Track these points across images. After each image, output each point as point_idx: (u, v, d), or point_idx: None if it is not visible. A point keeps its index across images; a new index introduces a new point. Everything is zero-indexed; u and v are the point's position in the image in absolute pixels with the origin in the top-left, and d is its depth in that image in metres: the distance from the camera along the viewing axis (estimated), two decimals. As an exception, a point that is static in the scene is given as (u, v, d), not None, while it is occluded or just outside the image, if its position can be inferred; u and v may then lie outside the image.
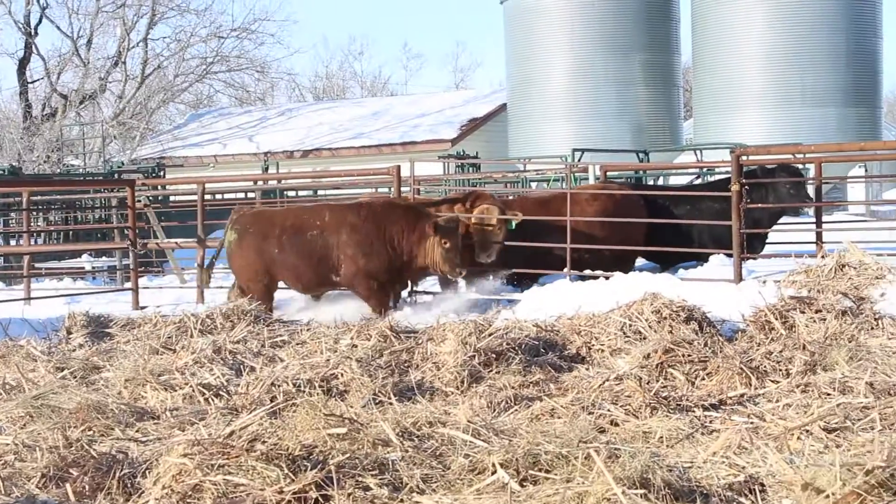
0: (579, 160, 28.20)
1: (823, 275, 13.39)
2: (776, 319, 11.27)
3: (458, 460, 6.96)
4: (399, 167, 16.33)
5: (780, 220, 16.94)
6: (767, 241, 16.67)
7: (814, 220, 16.17)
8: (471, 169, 32.01)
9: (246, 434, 7.09)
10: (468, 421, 7.95)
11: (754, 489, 6.41)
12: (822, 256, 14.20)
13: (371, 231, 14.62)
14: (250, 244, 15.05)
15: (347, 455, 6.85)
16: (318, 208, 15.48)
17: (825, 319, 11.25)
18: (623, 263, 15.85)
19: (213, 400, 9.38)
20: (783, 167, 16.49)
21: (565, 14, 37.25)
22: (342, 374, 9.97)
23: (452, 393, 9.65)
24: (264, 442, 6.87)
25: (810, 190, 17.47)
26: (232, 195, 25.66)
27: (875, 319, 11.37)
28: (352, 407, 8.81)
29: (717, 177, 21.74)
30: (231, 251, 15.30)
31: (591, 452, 6.55)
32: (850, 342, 10.53)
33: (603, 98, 37.17)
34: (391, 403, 8.96)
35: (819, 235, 15.84)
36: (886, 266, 13.28)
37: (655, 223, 16.28)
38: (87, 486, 6.82)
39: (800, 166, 21.77)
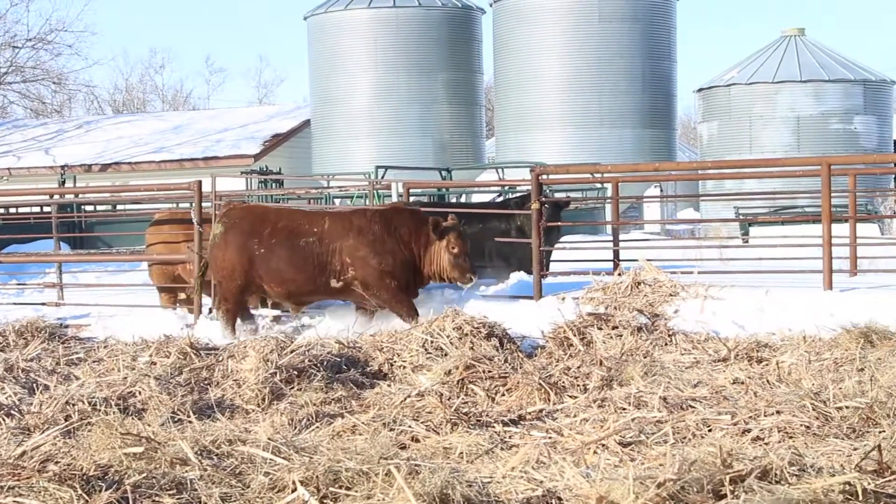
0: (382, 177, 28.27)
1: (620, 292, 13.69)
2: (574, 336, 11.47)
3: (257, 478, 6.88)
4: (200, 182, 16.09)
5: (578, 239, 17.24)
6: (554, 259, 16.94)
7: (611, 238, 16.51)
8: (274, 185, 31.83)
9: (38, 454, 6.89)
10: (269, 438, 7.87)
11: (551, 503, 6.50)
12: (619, 274, 14.53)
13: (380, 231, 13.78)
14: (234, 239, 14.00)
15: (144, 475, 6.72)
16: (316, 214, 14.52)
17: (621, 336, 11.50)
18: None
19: (3, 420, 9.08)
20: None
21: (368, 32, 37.34)
22: (140, 392, 9.78)
23: (253, 410, 9.55)
24: (57, 462, 6.69)
25: (608, 209, 17.83)
26: (26, 209, 24.97)
27: (669, 335, 11.68)
28: (149, 425, 8.63)
29: (511, 196, 22.02)
30: (213, 244, 14.20)
31: (392, 469, 6.55)
32: (645, 358, 10.78)
33: (406, 116, 37.36)
34: (190, 422, 8.82)
35: (616, 254, 16.17)
36: (680, 283, 13.65)
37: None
38: None
39: (598, 185, 22.21)
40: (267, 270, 13.86)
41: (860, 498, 6.03)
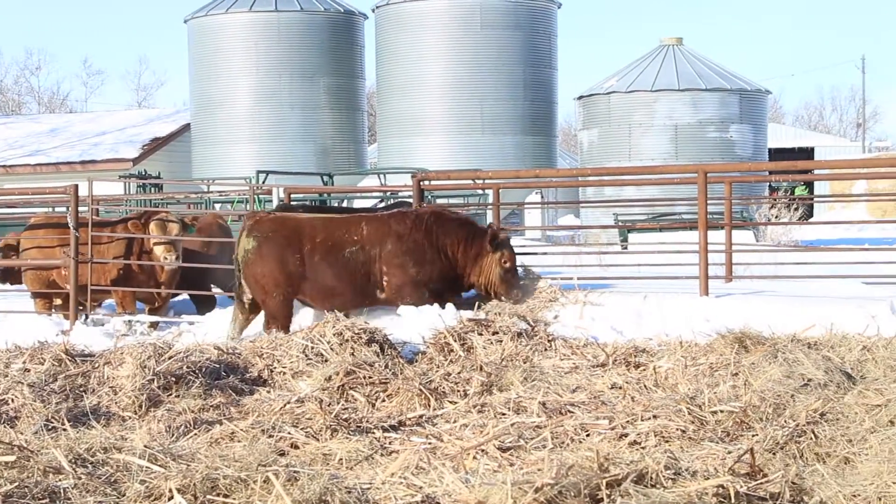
0: (264, 182, 28.11)
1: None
2: (455, 341, 11.48)
3: (133, 486, 6.78)
4: (77, 186, 15.84)
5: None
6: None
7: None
8: (153, 189, 31.47)
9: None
10: (145, 446, 7.76)
11: (431, 508, 6.51)
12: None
13: (420, 239, 13.28)
14: (271, 252, 13.20)
15: (16, 484, 6.58)
16: (352, 220, 13.74)
17: (502, 341, 11.55)
18: None
19: None
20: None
21: (250, 35, 37.08)
22: (13, 400, 9.58)
23: (130, 417, 9.42)
24: (-75, 473, 6.52)
25: (489, 215, 17.93)
26: None
27: (548, 341, 11.75)
28: (22, 434, 8.46)
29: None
30: (248, 260, 13.30)
31: (270, 476, 6.51)
32: (524, 363, 10.84)
33: (288, 121, 37.17)
34: (65, 429, 8.67)
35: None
36: (559, 290, 13.77)
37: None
38: None
39: (479, 191, 22.32)
40: (312, 287, 13.26)
41: (732, 500, 6.13)
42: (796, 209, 32.11)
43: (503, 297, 13.30)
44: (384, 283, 13.26)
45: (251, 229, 13.35)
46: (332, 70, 37.58)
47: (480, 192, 25.69)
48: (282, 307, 13.21)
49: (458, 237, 13.35)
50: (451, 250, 13.33)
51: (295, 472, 6.78)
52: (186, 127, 41.31)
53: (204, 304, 15.62)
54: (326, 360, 10.75)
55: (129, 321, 14.71)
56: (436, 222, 13.42)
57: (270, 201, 22.40)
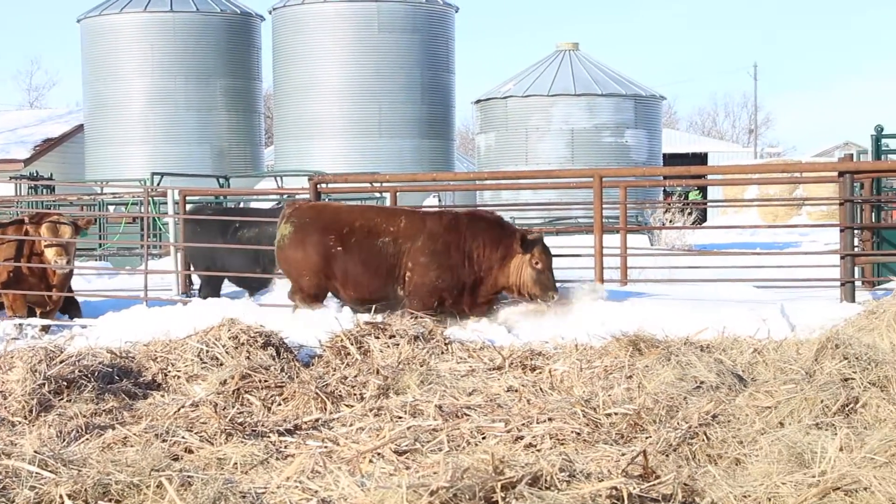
0: (158, 184, 27.82)
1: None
2: (352, 344, 11.45)
3: (22, 493, 6.66)
4: (-35, 187, 15.55)
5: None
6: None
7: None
8: (45, 191, 30.99)
9: None
10: (35, 451, 7.62)
11: (326, 512, 6.49)
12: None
13: (451, 241, 13.09)
14: (308, 237, 13.31)
15: None
16: (393, 212, 13.82)
17: (399, 344, 11.53)
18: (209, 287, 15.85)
19: None
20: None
21: (144, 36, 36.67)
22: None
23: (20, 423, 9.25)
24: None
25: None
26: None
27: (445, 344, 11.76)
28: None
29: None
30: (284, 245, 13.48)
31: (164, 481, 6.44)
32: (421, 366, 10.84)
33: (183, 122, 36.82)
34: (-48, 435, 8.50)
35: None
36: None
37: (236, 248, 16.27)
38: None
39: (377, 195, 22.29)
40: (343, 273, 13.30)
41: (626, 502, 6.19)
42: (690, 213, 32.56)
43: (539, 299, 13.20)
44: (405, 280, 13.23)
45: (289, 216, 13.54)
46: (229, 71, 37.30)
47: (378, 195, 25.67)
48: (314, 287, 13.42)
49: (486, 240, 13.20)
50: (476, 253, 13.18)
51: (189, 476, 6.72)
52: (80, 128, 40.73)
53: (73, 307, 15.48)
54: (222, 364, 10.65)
55: (20, 325, 14.46)
56: (470, 223, 13.35)
57: (165, 203, 22.16)
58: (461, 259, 13.14)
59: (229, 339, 11.10)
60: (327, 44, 36.06)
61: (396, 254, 13.21)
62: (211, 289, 16.52)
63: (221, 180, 31.56)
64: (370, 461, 7.58)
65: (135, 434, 8.46)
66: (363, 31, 36.00)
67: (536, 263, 13.05)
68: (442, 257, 13.11)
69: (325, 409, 9.44)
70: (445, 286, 13.16)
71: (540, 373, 10.59)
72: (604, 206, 14.65)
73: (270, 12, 37.89)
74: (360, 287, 13.33)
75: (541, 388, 9.89)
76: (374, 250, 13.22)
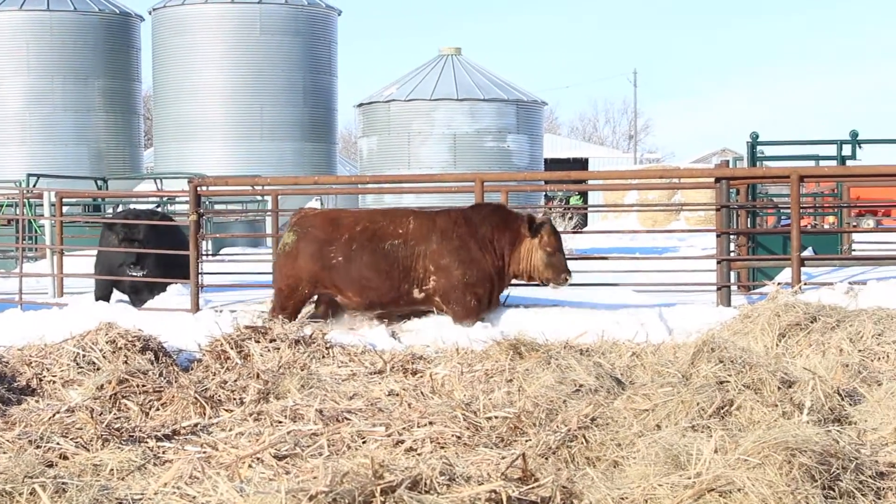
0: (34, 186, 27.31)
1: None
2: (232, 349, 11.38)
3: None
4: None
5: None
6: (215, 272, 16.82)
7: (271, 251, 16.49)
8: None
9: None
10: None
11: (205, 518, 6.42)
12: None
13: (465, 235, 12.88)
14: (306, 247, 13.11)
15: None
16: (399, 213, 13.57)
17: (279, 348, 11.49)
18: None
19: None
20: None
21: (20, 35, 35.97)
22: None
23: None
24: None
25: (268, 222, 17.83)
26: None
27: (326, 348, 11.74)
28: None
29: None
30: (282, 252, 13.35)
31: (37, 488, 6.32)
32: (302, 370, 10.80)
33: (60, 123, 36.19)
34: None
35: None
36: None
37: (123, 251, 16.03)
38: None
39: (258, 198, 22.17)
40: (346, 278, 13.04)
41: (505, 505, 6.22)
42: (571, 218, 32.85)
43: (552, 283, 13.14)
44: (426, 285, 13.08)
45: (293, 225, 13.46)
46: (107, 72, 36.75)
47: (259, 198, 25.51)
48: (292, 300, 13.31)
49: (494, 226, 13.06)
50: (490, 242, 13.03)
51: (63, 483, 6.61)
52: (-46, 128, 39.83)
53: None
54: (99, 369, 10.51)
55: None
56: (474, 214, 13.20)
57: (41, 205, 21.76)
58: (480, 251, 12.98)
59: (107, 343, 10.96)
60: (208, 45, 35.75)
61: (410, 256, 13.00)
62: (101, 293, 16.22)
63: (100, 182, 31.10)
64: (249, 466, 7.52)
65: (7, 440, 8.30)
66: (245, 32, 35.74)
67: (546, 246, 12.92)
68: (462, 252, 12.95)
69: (205, 414, 9.36)
70: (475, 280, 12.98)
71: (421, 377, 10.61)
72: (485, 210, 14.68)
73: (150, 12, 37.42)
74: (367, 292, 13.13)
75: (422, 392, 9.90)
76: (382, 254, 13.03)
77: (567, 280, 13.08)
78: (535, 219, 13.06)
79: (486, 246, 13.01)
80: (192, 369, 11.16)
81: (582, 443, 7.83)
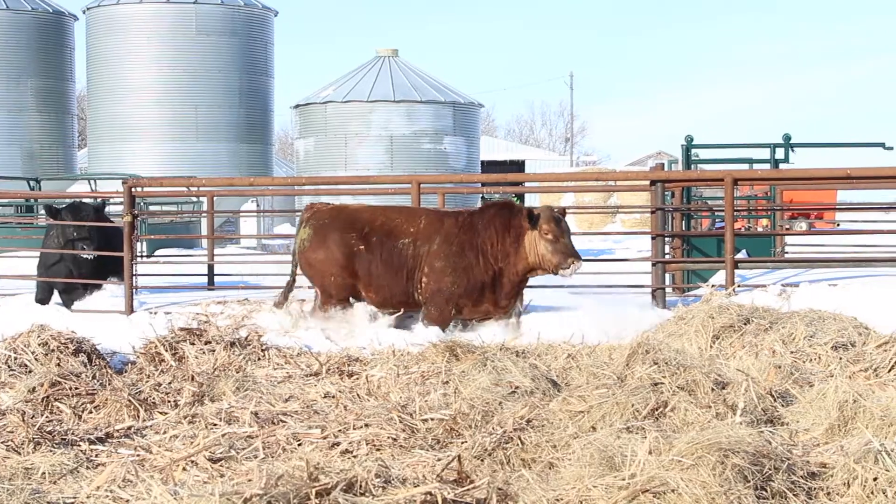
0: (-34, 186, 26.98)
1: (214, 307, 13.66)
2: (166, 351, 11.30)
3: None
4: None
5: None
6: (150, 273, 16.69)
7: (206, 252, 16.41)
8: None
9: None
10: None
11: (138, 522, 6.37)
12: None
13: (466, 241, 12.63)
14: (329, 235, 12.87)
15: None
16: (414, 212, 13.32)
17: (214, 350, 11.43)
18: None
19: None
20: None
21: (-48, 34, 35.59)
22: None
23: None
24: None
25: (203, 223, 17.73)
26: None
27: (262, 350, 11.70)
28: None
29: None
30: (304, 248, 13.11)
31: (-33, 492, 6.24)
32: (237, 373, 10.76)
33: (-8, 123, 35.83)
34: None
35: (211, 268, 16.11)
36: (259, 301, 13.85)
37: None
38: None
39: (194, 199, 22.02)
40: (365, 273, 12.89)
41: (441, 507, 6.23)
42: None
43: (562, 269, 12.69)
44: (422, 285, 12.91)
45: (307, 220, 13.32)
46: (40, 71, 36.39)
47: (195, 199, 25.36)
48: (338, 288, 13.06)
49: (497, 227, 12.79)
50: (489, 245, 12.77)
51: (-6, 487, 6.53)
52: None
53: None
54: (31, 371, 10.40)
55: None
56: (480, 217, 12.96)
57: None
58: (476, 257, 12.78)
59: (39, 345, 10.85)
60: (143, 45, 35.53)
61: (415, 256, 12.87)
62: (42, 294, 15.97)
63: (32, 183, 30.77)
64: (183, 469, 7.48)
65: (-63, 444, 8.19)
66: (180, 32, 35.56)
67: (547, 234, 12.59)
68: (457, 259, 12.78)
69: (138, 417, 9.29)
70: (462, 290, 12.82)
71: (357, 379, 10.59)
72: (422, 212, 14.70)
73: (84, 12, 37.12)
74: (382, 290, 13.00)
75: (358, 394, 9.89)
76: (395, 252, 12.89)
77: (575, 264, 12.60)
78: (532, 211, 12.79)
79: (485, 252, 12.81)
80: (126, 372, 11.07)
81: (517, 444, 7.84)
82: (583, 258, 12.79)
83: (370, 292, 13.06)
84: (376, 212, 13.40)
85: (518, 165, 69.29)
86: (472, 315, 12.99)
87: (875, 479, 6.49)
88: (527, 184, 39.43)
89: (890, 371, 9.54)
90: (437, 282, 12.80)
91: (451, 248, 12.80)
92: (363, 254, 12.95)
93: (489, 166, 59.21)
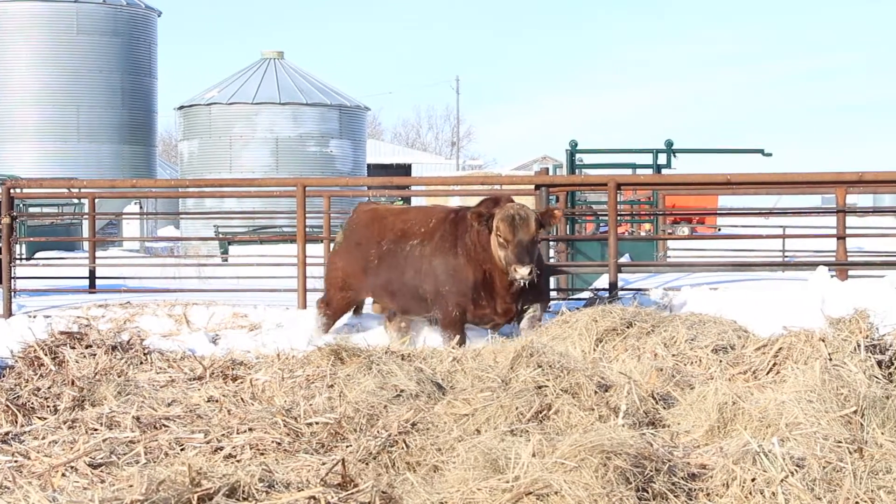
0: None
1: (94, 311, 13.48)
2: (46, 355, 11.11)
3: None
4: None
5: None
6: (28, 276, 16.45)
7: (87, 255, 16.18)
8: None
9: None
10: None
11: (15, 530, 6.26)
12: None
13: (452, 238, 11.89)
14: (348, 245, 12.51)
15: None
16: (429, 211, 12.69)
17: (95, 355, 11.27)
18: None
19: None
20: None
21: None
22: None
23: None
24: None
25: (85, 225, 17.49)
26: None
27: (144, 354, 11.56)
28: None
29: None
30: (333, 251, 12.90)
31: None
32: (119, 377, 10.61)
33: None
34: None
35: (92, 271, 15.88)
36: (142, 304, 13.70)
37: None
38: None
39: (75, 200, 21.70)
40: (378, 282, 12.38)
41: (325, 511, 6.21)
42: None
43: (510, 277, 11.51)
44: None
45: (347, 224, 13.10)
46: (-86, 70, 35.67)
47: (76, 201, 24.99)
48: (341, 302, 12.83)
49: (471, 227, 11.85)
50: (470, 241, 11.86)
51: None
52: None
53: None
54: None
55: None
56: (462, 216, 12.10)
57: None
58: (466, 254, 11.90)
59: (-88, 350, 10.61)
60: (22, 44, 34.98)
61: (420, 258, 12.16)
62: None
63: None
64: (63, 475, 7.36)
65: None
66: (61, 32, 35.06)
67: (499, 235, 11.54)
68: (449, 257, 11.97)
69: (16, 422, 9.11)
70: (457, 291, 11.92)
71: (241, 383, 10.51)
72: (308, 215, 14.69)
73: (-38, 9, 36.41)
74: (398, 297, 12.42)
75: (242, 399, 9.81)
76: (405, 255, 12.21)
77: (518, 272, 11.32)
78: (482, 213, 11.67)
79: (469, 252, 11.97)
80: (3, 376, 10.86)
81: (402, 448, 7.85)
82: (527, 265, 11.37)
83: (388, 300, 12.62)
84: (401, 212, 12.92)
85: (405, 169, 69.41)
86: (476, 319, 12.20)
87: (753, 480, 6.60)
88: (413, 187, 39.54)
89: (768, 373, 9.69)
90: (432, 284, 12.11)
91: (444, 245, 12.10)
92: (377, 262, 12.40)
93: (376, 170, 59.21)
